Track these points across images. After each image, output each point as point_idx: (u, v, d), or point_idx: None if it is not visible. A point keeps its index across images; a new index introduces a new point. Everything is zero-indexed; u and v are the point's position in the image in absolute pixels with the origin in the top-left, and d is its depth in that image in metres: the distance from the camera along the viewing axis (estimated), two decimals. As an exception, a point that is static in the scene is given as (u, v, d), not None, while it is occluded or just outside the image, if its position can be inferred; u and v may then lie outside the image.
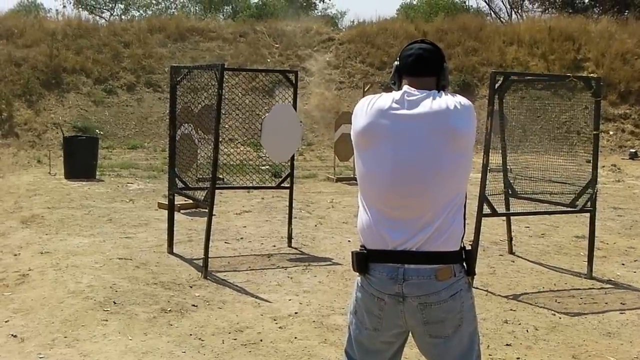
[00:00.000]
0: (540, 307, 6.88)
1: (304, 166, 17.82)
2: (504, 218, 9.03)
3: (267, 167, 13.36)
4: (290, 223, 9.08)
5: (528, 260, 8.78)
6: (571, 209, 8.17)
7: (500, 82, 7.60)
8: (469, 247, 3.21)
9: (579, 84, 8.67)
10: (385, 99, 3.17)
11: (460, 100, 3.18)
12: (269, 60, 24.56)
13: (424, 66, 3.24)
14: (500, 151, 8.82)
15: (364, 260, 3.16)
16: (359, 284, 3.24)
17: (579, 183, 8.14)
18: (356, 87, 23.10)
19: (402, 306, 3.11)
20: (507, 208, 8.53)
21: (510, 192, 8.60)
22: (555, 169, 8.53)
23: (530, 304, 6.96)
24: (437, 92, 3.17)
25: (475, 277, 7.42)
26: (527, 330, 6.17)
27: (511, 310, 6.75)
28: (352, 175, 15.67)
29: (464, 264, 3.17)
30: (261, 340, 5.74)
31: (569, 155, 9.02)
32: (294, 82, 9.01)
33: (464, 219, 3.17)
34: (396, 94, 3.18)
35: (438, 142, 3.07)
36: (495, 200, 8.10)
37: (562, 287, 7.68)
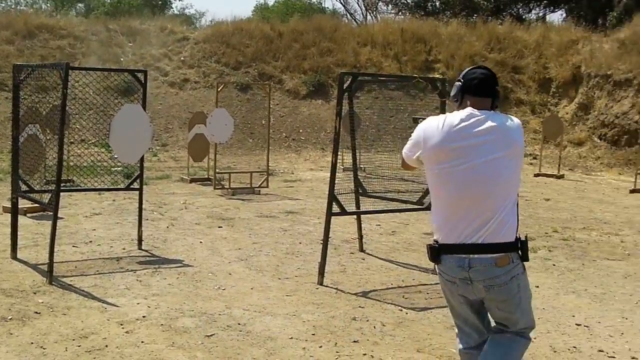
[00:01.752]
0: (389, 303, 7.02)
1: (158, 167, 17.55)
2: (356, 216, 9.17)
3: (120, 168, 13.08)
4: (140, 225, 8.90)
5: (378, 258, 8.95)
6: (418, 207, 8.37)
7: (348, 82, 7.70)
8: (523, 238, 3.89)
9: (423, 84, 8.87)
10: (453, 118, 3.88)
11: (513, 118, 3.97)
12: (122, 59, 24.03)
13: (485, 89, 3.97)
14: (351, 151, 8.95)
15: (436, 252, 3.93)
16: (437, 270, 4.06)
17: (425, 181, 8.33)
18: (211, 86, 22.91)
19: (472, 287, 3.90)
20: (358, 207, 8.66)
21: (360, 191, 8.73)
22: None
23: (379, 301, 7.09)
24: (494, 113, 3.93)
25: (325, 275, 7.53)
26: (374, 327, 6.27)
27: (360, 307, 6.85)
28: (206, 176, 15.56)
29: (519, 252, 3.88)
30: (106, 346, 5.58)
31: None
32: (143, 81, 8.82)
33: (517, 214, 3.91)
34: (462, 114, 3.89)
35: (500, 153, 3.83)
36: (346, 199, 8.22)
37: (410, 283, 7.86)
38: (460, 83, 4.05)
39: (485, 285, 3.85)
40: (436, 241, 3.95)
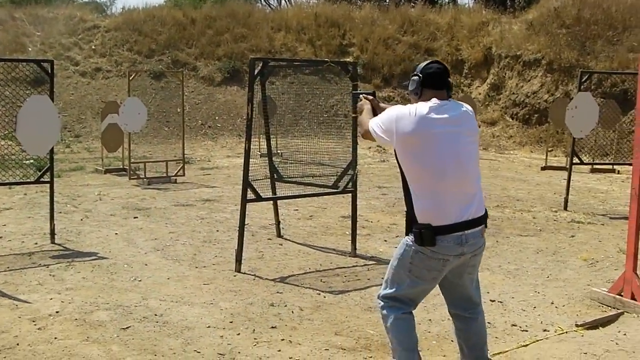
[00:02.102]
0: (306, 287, 7.03)
1: (71, 158, 17.20)
2: (272, 202, 9.14)
3: (31, 161, 12.75)
4: (52, 218, 8.70)
5: (296, 243, 8.95)
6: (334, 191, 8.40)
7: (259, 68, 7.65)
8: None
9: (337, 69, 8.88)
10: (422, 107, 4.21)
11: (469, 106, 4.42)
12: (30, 49, 23.42)
13: (442, 81, 4.36)
14: (266, 137, 8.92)
15: (432, 236, 4.15)
16: (418, 253, 4.22)
17: (340, 165, 8.38)
18: (124, 75, 22.50)
19: (461, 259, 4.26)
20: (274, 192, 8.64)
21: (276, 177, 8.71)
22: (323, 152, 8.73)
23: (297, 286, 7.09)
24: (455, 102, 4.35)
25: (243, 262, 7.50)
26: (292, 312, 6.28)
27: (278, 292, 6.84)
28: (121, 166, 15.31)
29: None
30: (18, 344, 5.43)
31: (337, 138, 9.26)
32: (50, 71, 8.60)
33: None
34: (429, 103, 4.23)
35: (469, 137, 4.30)
36: (262, 185, 8.19)
37: (328, 266, 7.89)
38: (418, 77, 4.37)
39: (473, 255, 4.31)
40: (428, 225, 4.16)
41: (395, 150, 4.33)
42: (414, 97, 4.39)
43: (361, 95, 4.92)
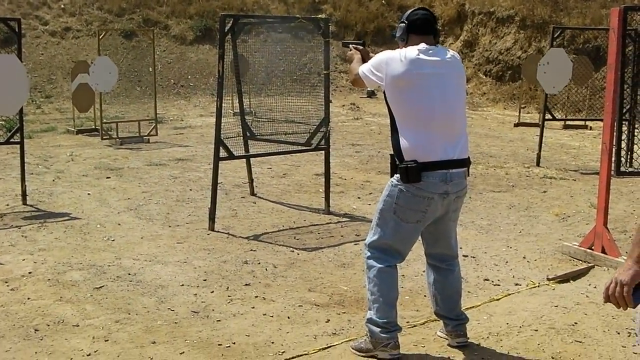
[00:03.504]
0: (280, 245, 7.05)
1: (43, 119, 17.02)
2: (246, 161, 9.12)
3: (1, 122, 12.61)
4: (23, 179, 8.62)
5: (269, 201, 8.95)
6: (306, 148, 8.39)
7: (230, 25, 7.57)
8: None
9: (310, 26, 8.81)
10: (411, 51, 4.31)
11: (455, 52, 4.56)
12: (-3, 8, 23.00)
13: (428, 27, 4.45)
14: (238, 95, 8.86)
15: (417, 171, 4.24)
16: (404, 190, 4.30)
17: (313, 123, 8.36)
18: (94, 35, 22.12)
19: (445, 200, 4.35)
20: (246, 150, 8.60)
21: (248, 135, 8.67)
22: (297, 110, 8.70)
23: (270, 243, 7.11)
24: (442, 47, 4.47)
25: (216, 220, 7.49)
26: (266, 269, 6.30)
27: (251, 250, 6.85)
28: (93, 127, 15.16)
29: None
30: (-10, 305, 5.42)
31: (311, 96, 9.21)
32: (17, 30, 8.46)
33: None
34: (418, 47, 4.34)
35: (458, 80, 4.46)
36: (235, 143, 8.16)
37: (302, 224, 7.91)
38: (404, 24, 4.47)
39: (456, 196, 4.42)
40: (414, 161, 4.25)
41: (384, 93, 4.44)
42: (401, 44, 4.49)
43: (351, 45, 5.00)
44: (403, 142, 4.32)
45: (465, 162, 4.44)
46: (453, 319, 4.69)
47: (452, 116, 4.36)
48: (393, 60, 4.34)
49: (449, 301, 4.68)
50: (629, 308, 2.76)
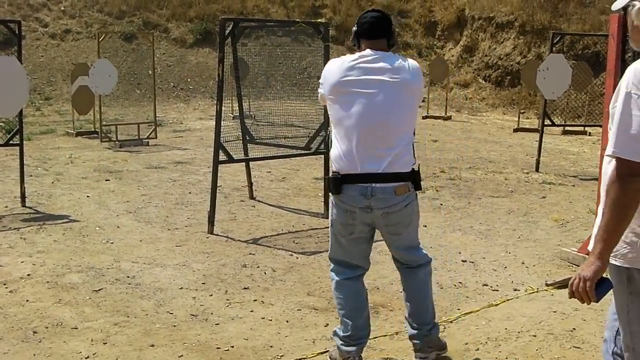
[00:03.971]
0: (279, 249, 7.05)
1: (42, 121, 17.03)
2: (245, 164, 9.12)
3: (0, 124, 12.61)
4: (22, 181, 8.62)
5: (268, 204, 8.95)
6: (306, 152, 8.39)
7: (230, 28, 7.58)
8: (416, 169, 4.23)
9: (310, 30, 8.81)
10: (350, 57, 4.17)
11: (409, 60, 4.24)
12: (-3, 10, 23.01)
13: (376, 31, 4.22)
14: (237, 98, 8.86)
15: (338, 183, 4.13)
16: (334, 203, 4.23)
17: (313, 126, 8.36)
18: (94, 37, 22.14)
19: (369, 215, 4.15)
20: (246, 154, 8.61)
21: (248, 139, 8.68)
22: (296, 114, 8.70)
23: (269, 247, 7.11)
24: (390, 54, 4.21)
25: (215, 224, 7.49)
26: (265, 273, 6.29)
27: (250, 254, 6.85)
28: (92, 129, 15.18)
29: (413, 181, 4.20)
30: (-11, 307, 5.42)
31: (310, 100, 9.22)
32: (17, 32, 8.47)
33: (414, 152, 4.22)
34: (359, 53, 4.18)
35: (400, 89, 4.12)
36: (235, 147, 8.17)
37: (301, 228, 7.91)
38: (355, 28, 4.29)
39: (384, 212, 4.14)
40: (337, 172, 4.15)
41: None
42: (356, 50, 4.31)
43: None
44: (332, 152, 4.23)
45: (395, 177, 4.12)
46: (415, 327, 4.47)
47: (383, 127, 4.08)
48: (332, 66, 4.21)
49: (410, 304, 4.50)
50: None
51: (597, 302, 2.86)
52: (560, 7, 22.07)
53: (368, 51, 4.18)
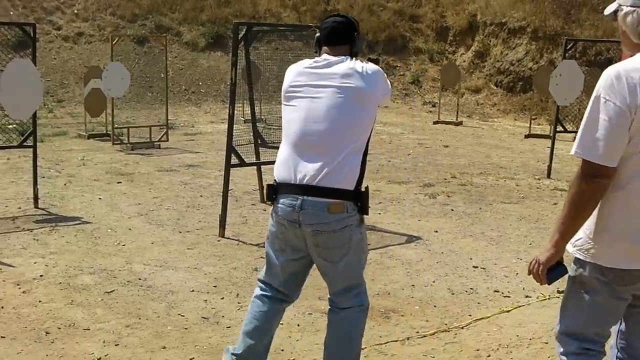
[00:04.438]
0: (290, 252, 7.05)
1: (55, 123, 17.07)
2: (256, 168, 9.14)
3: (14, 126, 12.65)
4: (35, 183, 8.67)
5: (280, 208, 8.95)
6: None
7: (243, 32, 7.61)
8: (364, 189, 3.78)
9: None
10: (306, 62, 3.91)
11: (368, 65, 3.89)
12: (11, 12, 23.11)
13: (337, 37, 3.94)
14: (249, 102, 8.89)
15: (273, 192, 3.84)
16: (271, 213, 3.92)
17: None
18: (107, 40, 22.26)
19: (297, 231, 3.76)
20: (258, 158, 8.63)
21: (260, 142, 8.70)
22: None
23: (281, 251, 7.11)
24: (347, 59, 3.86)
25: (226, 227, 7.50)
26: (276, 276, 6.30)
27: (261, 257, 6.76)
28: (104, 132, 15.23)
29: (358, 203, 3.75)
30: (2, 307, 5.43)
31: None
32: (32, 35, 8.52)
33: (363, 165, 3.79)
34: (315, 59, 3.91)
35: (343, 96, 3.76)
36: (246, 150, 8.19)
37: (312, 232, 7.90)
38: (317, 34, 4.07)
39: (313, 230, 3.73)
40: (274, 181, 3.89)
41: None
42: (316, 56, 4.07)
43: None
44: (277, 158, 3.97)
45: (331, 192, 3.69)
46: None
47: (322, 134, 3.73)
48: (287, 72, 3.99)
49: (325, 354, 4.10)
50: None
51: (548, 284, 3.20)
52: (572, 13, 22.04)
53: (323, 56, 3.90)
